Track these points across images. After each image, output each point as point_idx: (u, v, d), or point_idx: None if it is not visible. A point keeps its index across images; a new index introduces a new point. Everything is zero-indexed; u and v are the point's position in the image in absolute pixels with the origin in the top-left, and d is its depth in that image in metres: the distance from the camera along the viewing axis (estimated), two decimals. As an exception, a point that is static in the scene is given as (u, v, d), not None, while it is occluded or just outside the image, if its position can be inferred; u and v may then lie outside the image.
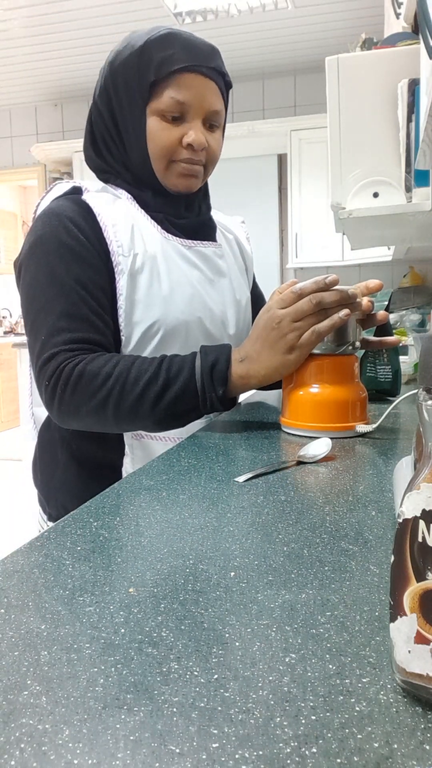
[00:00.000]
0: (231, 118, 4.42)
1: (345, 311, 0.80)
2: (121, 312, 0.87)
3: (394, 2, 1.83)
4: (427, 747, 0.24)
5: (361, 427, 0.82)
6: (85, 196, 0.89)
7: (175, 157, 0.90)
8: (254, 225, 4.28)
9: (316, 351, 0.84)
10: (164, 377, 0.80)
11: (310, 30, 3.72)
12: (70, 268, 0.83)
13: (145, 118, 0.88)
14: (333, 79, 1.38)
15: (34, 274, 0.85)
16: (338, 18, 3.57)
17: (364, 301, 0.86)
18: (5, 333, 5.82)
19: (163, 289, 0.88)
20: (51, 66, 4.19)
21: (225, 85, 0.93)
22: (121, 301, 0.86)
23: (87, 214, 0.87)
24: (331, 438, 0.80)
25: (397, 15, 1.71)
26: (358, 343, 0.87)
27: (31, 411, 1.00)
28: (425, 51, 0.87)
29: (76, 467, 0.92)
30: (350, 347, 0.85)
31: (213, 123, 0.91)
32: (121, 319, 0.87)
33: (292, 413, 0.84)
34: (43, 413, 0.96)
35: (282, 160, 4.34)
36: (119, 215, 0.89)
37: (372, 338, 0.94)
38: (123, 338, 0.87)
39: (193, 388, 0.80)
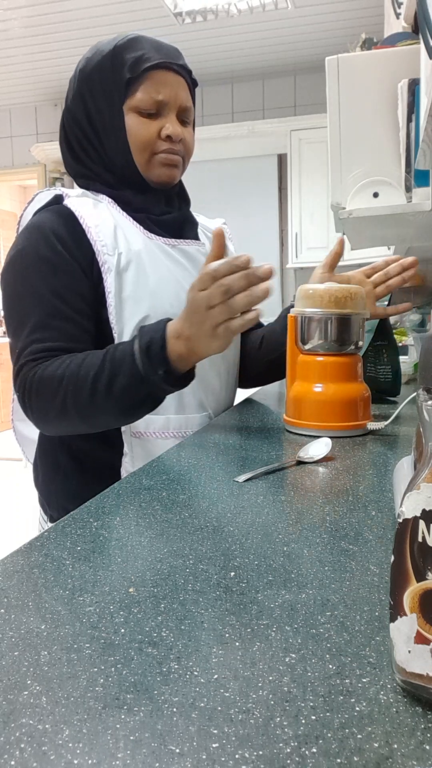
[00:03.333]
0: (231, 118, 4.43)
1: (253, 313, 0.75)
2: (111, 309, 0.88)
3: (394, 2, 1.83)
4: (427, 747, 0.24)
5: (372, 425, 0.82)
6: (67, 201, 0.91)
7: (155, 150, 0.93)
8: (254, 225, 4.28)
9: (320, 350, 0.85)
10: (109, 368, 0.79)
11: (310, 30, 3.72)
12: (46, 279, 0.85)
13: (123, 116, 0.92)
14: (333, 79, 1.38)
15: (12, 288, 0.87)
16: (338, 18, 3.57)
17: (396, 279, 0.89)
18: (5, 333, 5.82)
19: (150, 283, 0.90)
20: (51, 66, 4.19)
21: (192, 82, 0.97)
22: (110, 299, 0.87)
23: (69, 221, 0.88)
24: (337, 437, 0.80)
25: (397, 15, 1.71)
26: (361, 343, 0.87)
27: (13, 422, 1.02)
28: (425, 51, 0.87)
29: (76, 469, 0.93)
30: (353, 347, 0.85)
31: (184, 119, 0.96)
32: (111, 317, 0.88)
33: (297, 413, 0.84)
34: (24, 428, 0.99)
35: (282, 160, 4.34)
36: (101, 217, 0.90)
37: (382, 308, 0.98)
38: (116, 335, 0.88)
39: (138, 374, 0.78)
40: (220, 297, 0.74)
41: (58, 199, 0.93)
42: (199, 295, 0.75)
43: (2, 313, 0.93)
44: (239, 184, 4.31)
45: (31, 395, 0.82)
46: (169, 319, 0.80)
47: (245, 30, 3.72)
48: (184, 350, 0.78)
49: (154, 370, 0.78)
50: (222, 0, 3.33)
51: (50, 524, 0.97)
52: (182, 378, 0.81)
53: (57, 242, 0.87)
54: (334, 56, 1.38)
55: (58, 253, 0.86)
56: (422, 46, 0.92)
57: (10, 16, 3.53)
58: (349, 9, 3.47)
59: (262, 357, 1.11)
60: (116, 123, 0.92)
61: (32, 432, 1.00)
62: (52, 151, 4.56)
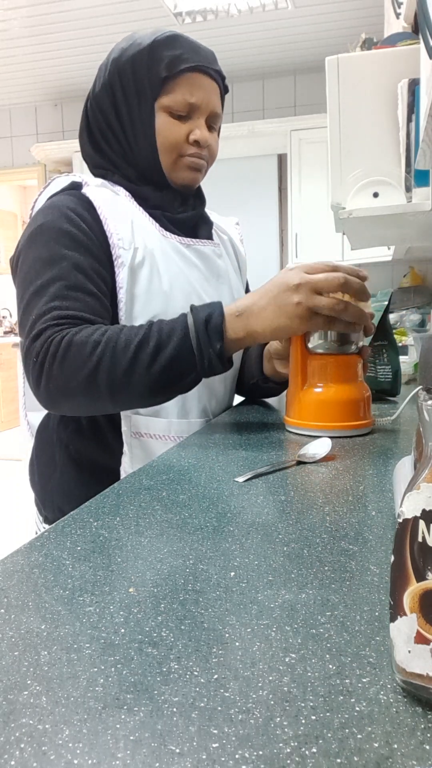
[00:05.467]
0: (231, 118, 4.43)
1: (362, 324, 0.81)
2: (121, 305, 0.86)
3: (394, 2, 1.83)
4: (427, 747, 0.24)
5: (381, 420, 0.85)
6: (85, 190, 0.89)
7: (182, 152, 0.93)
8: (254, 225, 4.28)
9: (319, 351, 0.85)
10: (156, 338, 0.76)
11: (310, 30, 3.72)
12: (69, 253, 0.82)
13: (154, 114, 0.90)
14: (333, 79, 1.38)
15: (31, 260, 0.83)
16: (338, 18, 3.57)
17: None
18: (5, 333, 5.82)
19: (162, 283, 0.89)
20: (51, 66, 4.19)
21: (224, 89, 0.97)
22: (122, 294, 0.86)
23: (88, 206, 0.87)
24: (339, 437, 0.80)
25: (397, 15, 1.71)
26: (361, 343, 0.87)
27: (24, 414, 0.99)
28: (425, 51, 0.87)
29: (73, 469, 0.91)
30: (354, 347, 0.86)
31: (212, 125, 0.95)
32: (121, 312, 0.86)
33: (297, 413, 0.84)
34: (37, 418, 0.96)
35: (282, 160, 4.34)
36: (119, 209, 0.89)
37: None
38: None
39: (189, 347, 0.76)
40: (336, 286, 0.76)
41: (74, 186, 0.90)
42: (303, 275, 0.76)
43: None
44: (239, 184, 4.32)
45: (55, 359, 0.76)
46: (219, 302, 0.80)
47: (245, 30, 3.72)
48: (240, 330, 0.78)
49: (210, 344, 0.76)
50: (222, 0, 3.33)
51: (45, 525, 0.95)
52: (229, 361, 0.80)
53: (79, 219, 0.84)
54: (334, 56, 1.38)
55: (81, 230, 0.84)
56: (422, 46, 0.92)
57: (10, 16, 3.53)
58: (349, 9, 3.47)
59: (249, 375, 1.09)
60: (145, 119, 0.91)
61: None
62: (52, 151, 4.56)
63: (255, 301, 0.78)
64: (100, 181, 0.93)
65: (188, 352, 0.76)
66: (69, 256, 0.82)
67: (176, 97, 0.89)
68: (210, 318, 0.77)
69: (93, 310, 0.81)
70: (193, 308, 0.79)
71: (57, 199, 0.88)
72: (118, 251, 0.86)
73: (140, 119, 0.91)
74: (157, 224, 0.93)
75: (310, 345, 0.86)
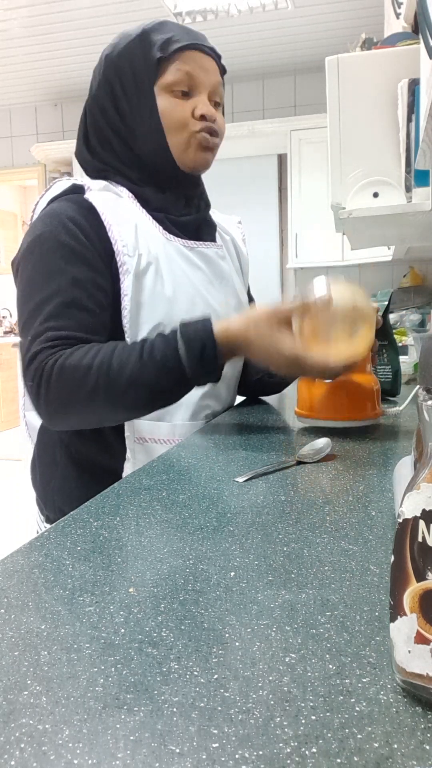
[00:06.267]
0: (231, 118, 4.42)
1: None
2: (125, 313, 0.85)
3: (394, 2, 1.83)
4: (427, 747, 0.24)
5: (390, 410, 0.88)
6: (88, 195, 0.87)
7: (192, 129, 0.91)
8: (254, 225, 4.28)
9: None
10: (150, 368, 0.77)
11: (310, 30, 3.72)
12: (67, 267, 0.82)
13: (155, 98, 0.89)
14: (333, 79, 1.38)
15: (30, 274, 0.83)
16: (338, 18, 3.57)
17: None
18: (5, 333, 5.82)
19: (166, 290, 0.88)
20: (51, 66, 4.19)
21: (221, 68, 0.95)
22: (126, 302, 0.85)
23: (89, 213, 0.85)
24: (348, 428, 0.83)
25: (397, 15, 1.71)
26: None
27: (23, 414, 0.99)
28: (425, 51, 0.87)
29: (75, 471, 0.91)
30: None
31: (216, 100, 0.93)
32: (125, 320, 0.85)
33: (308, 405, 0.86)
34: (36, 419, 0.95)
35: (282, 160, 4.34)
36: (123, 214, 0.87)
37: None
38: (128, 340, 0.86)
39: (184, 378, 0.78)
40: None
41: (75, 189, 0.89)
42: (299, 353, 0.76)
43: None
44: (239, 184, 4.32)
45: (50, 384, 0.77)
46: (208, 318, 0.80)
47: (245, 30, 3.72)
48: (232, 351, 0.79)
49: (205, 376, 0.79)
50: (222, 0, 3.33)
51: (46, 525, 0.95)
52: (221, 369, 0.81)
53: (77, 230, 0.83)
54: (334, 56, 1.38)
55: (80, 242, 0.83)
56: (422, 46, 0.92)
57: (10, 16, 3.53)
58: (349, 9, 3.46)
59: (254, 371, 1.10)
60: (147, 105, 0.89)
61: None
62: (52, 151, 4.56)
63: (254, 335, 0.78)
64: (102, 183, 0.91)
65: (184, 383, 0.79)
66: (67, 271, 0.81)
67: (175, 74, 0.88)
68: (204, 349, 0.77)
69: (88, 328, 0.82)
70: (183, 333, 0.78)
71: (57, 205, 0.86)
72: (123, 258, 0.85)
73: (142, 107, 0.89)
74: (161, 227, 0.91)
75: None
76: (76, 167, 4.43)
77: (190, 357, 0.77)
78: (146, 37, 0.88)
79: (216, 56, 0.93)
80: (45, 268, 0.82)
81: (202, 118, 0.90)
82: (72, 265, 0.82)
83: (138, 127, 0.91)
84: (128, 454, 0.89)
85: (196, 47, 0.89)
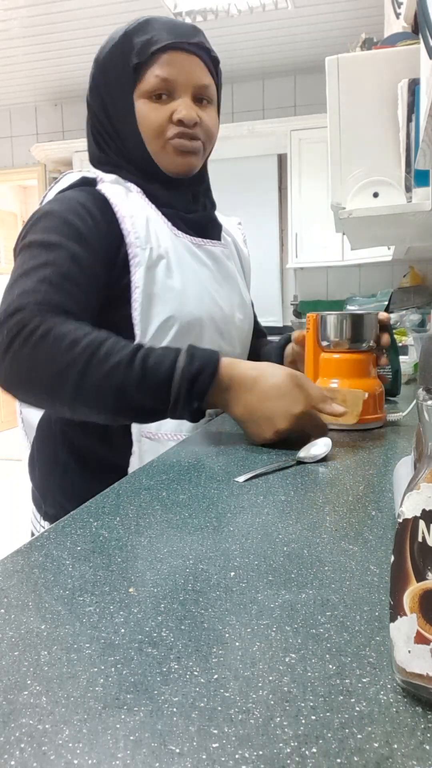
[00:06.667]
0: (231, 118, 4.43)
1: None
2: (136, 306, 0.84)
3: (394, 2, 1.83)
4: (427, 747, 0.24)
5: (392, 416, 0.88)
6: (101, 187, 0.87)
7: (167, 135, 0.89)
8: (254, 225, 4.28)
9: (336, 348, 0.88)
10: (139, 367, 0.71)
11: (310, 30, 3.72)
12: (69, 243, 0.79)
13: (134, 103, 0.88)
14: (333, 79, 1.38)
15: (29, 243, 0.80)
16: (338, 18, 3.57)
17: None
18: None
19: (176, 283, 0.87)
20: (51, 66, 4.19)
21: (212, 60, 0.92)
22: (137, 294, 0.84)
23: (103, 205, 0.84)
24: (352, 431, 0.84)
25: (397, 15, 1.71)
26: (373, 343, 0.89)
27: (20, 411, 0.98)
28: (425, 51, 0.87)
29: (77, 466, 0.90)
30: (365, 344, 0.88)
31: (203, 98, 0.90)
32: (136, 313, 0.84)
33: None
34: (33, 414, 0.94)
35: (282, 160, 4.34)
36: (135, 207, 0.87)
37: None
38: (138, 333, 0.84)
39: (166, 391, 0.72)
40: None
41: (86, 182, 0.88)
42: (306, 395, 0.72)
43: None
44: (239, 184, 4.32)
45: (28, 342, 0.71)
46: (217, 354, 0.74)
47: (245, 30, 3.72)
48: (220, 399, 0.74)
49: (189, 400, 0.72)
50: (222, 0, 3.33)
51: (44, 522, 0.94)
52: (201, 414, 0.75)
53: (87, 215, 0.82)
54: (334, 56, 1.38)
55: (87, 225, 0.81)
56: (422, 46, 0.92)
57: (10, 16, 3.53)
58: (349, 9, 3.46)
59: None
60: (128, 111, 0.88)
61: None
62: (52, 151, 4.57)
63: (251, 395, 0.73)
64: (113, 177, 0.90)
65: (164, 396, 0.72)
66: (68, 246, 0.79)
67: (150, 79, 0.86)
68: (200, 373, 0.72)
69: (78, 306, 0.78)
70: (189, 351, 0.73)
71: (69, 193, 0.85)
72: (135, 250, 0.84)
73: (124, 112, 0.89)
74: (169, 223, 0.91)
75: (325, 343, 0.88)
76: (76, 168, 4.43)
77: (185, 373, 0.71)
78: (127, 41, 0.87)
79: (203, 51, 0.89)
80: (47, 239, 0.79)
81: (180, 122, 0.88)
82: (74, 243, 0.79)
83: (124, 133, 0.91)
84: (134, 449, 0.87)
85: (176, 47, 0.86)
